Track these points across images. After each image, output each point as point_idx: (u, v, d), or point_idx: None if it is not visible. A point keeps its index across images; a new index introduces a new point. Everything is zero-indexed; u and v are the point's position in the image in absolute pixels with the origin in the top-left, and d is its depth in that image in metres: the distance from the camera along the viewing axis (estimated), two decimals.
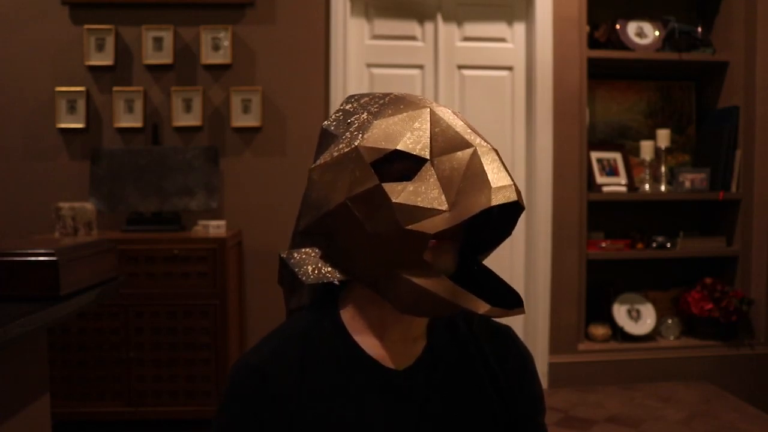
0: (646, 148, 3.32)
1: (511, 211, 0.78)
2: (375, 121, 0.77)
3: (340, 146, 0.79)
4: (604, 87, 3.50)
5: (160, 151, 2.90)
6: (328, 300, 0.86)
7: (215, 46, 2.99)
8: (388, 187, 0.73)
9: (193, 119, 2.98)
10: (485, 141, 0.75)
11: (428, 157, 0.74)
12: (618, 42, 3.32)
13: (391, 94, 0.83)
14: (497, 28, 3.32)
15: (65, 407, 2.54)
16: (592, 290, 3.33)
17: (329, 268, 0.81)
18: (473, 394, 0.84)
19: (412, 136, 0.75)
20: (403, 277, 0.73)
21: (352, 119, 0.82)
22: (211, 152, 2.91)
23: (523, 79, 3.33)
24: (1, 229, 2.92)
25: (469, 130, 0.75)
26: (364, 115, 0.81)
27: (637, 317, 3.37)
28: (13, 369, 1.33)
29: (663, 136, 3.33)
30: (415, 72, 3.28)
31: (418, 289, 0.73)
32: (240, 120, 3.00)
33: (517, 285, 3.33)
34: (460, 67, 3.30)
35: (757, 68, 3.25)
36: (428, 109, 0.77)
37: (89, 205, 2.58)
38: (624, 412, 2.83)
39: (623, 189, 3.32)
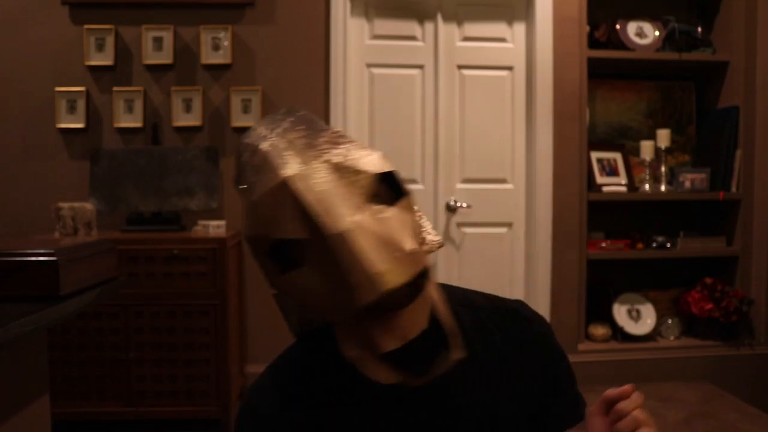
0: (646, 148, 3.32)
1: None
2: (249, 203, 0.74)
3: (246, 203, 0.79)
4: (604, 87, 3.50)
5: (160, 151, 2.90)
6: (321, 328, 0.85)
7: (215, 46, 2.99)
8: (288, 280, 0.76)
9: (193, 119, 2.98)
10: (347, 219, 0.67)
11: (300, 235, 0.69)
12: (618, 42, 3.32)
13: (260, 146, 0.74)
14: (497, 28, 3.32)
15: (65, 407, 2.54)
16: (592, 290, 3.33)
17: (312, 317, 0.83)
18: (485, 391, 0.83)
19: (286, 218, 0.71)
20: (355, 356, 0.74)
21: (246, 170, 0.78)
22: (211, 152, 2.91)
23: (523, 79, 3.33)
24: (1, 229, 2.92)
25: (336, 205, 0.68)
26: (247, 181, 0.76)
27: (637, 317, 3.37)
28: (13, 369, 1.33)
29: (663, 136, 3.33)
30: (415, 72, 3.28)
31: (370, 369, 0.74)
32: (240, 120, 3.00)
33: (517, 285, 3.33)
34: (460, 67, 3.30)
35: (757, 68, 3.25)
36: (283, 181, 0.69)
37: (89, 205, 2.57)
38: None
39: (623, 189, 3.32)
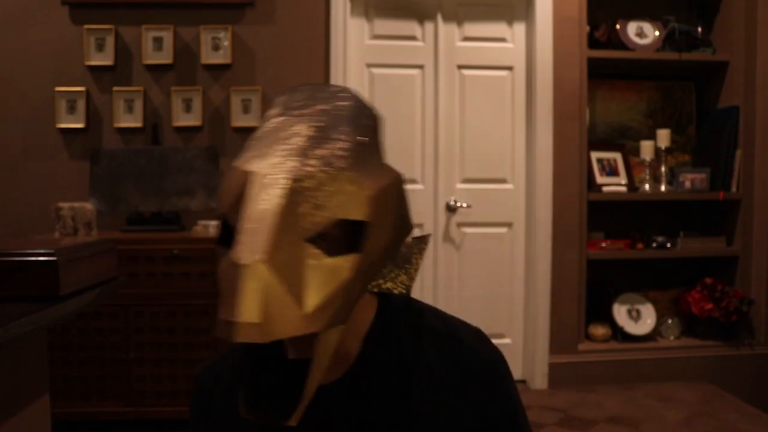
0: (646, 148, 3.32)
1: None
2: (234, 163, 0.68)
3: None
4: (604, 87, 3.50)
5: (160, 151, 2.90)
6: None
7: (215, 46, 2.99)
8: (218, 249, 0.70)
9: (193, 119, 2.98)
10: (269, 250, 0.60)
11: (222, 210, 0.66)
12: (618, 42, 3.32)
13: (274, 118, 0.70)
14: (497, 28, 3.32)
15: (65, 407, 2.54)
16: (592, 290, 3.33)
17: None
18: (408, 410, 0.77)
19: (233, 205, 0.65)
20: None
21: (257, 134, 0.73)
22: (211, 152, 2.91)
23: (523, 79, 3.33)
24: (1, 229, 2.92)
25: (269, 229, 0.61)
26: (253, 142, 0.71)
27: (637, 317, 3.37)
28: (13, 369, 1.33)
29: (663, 136, 3.33)
30: (415, 72, 3.28)
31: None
32: (240, 120, 3.00)
33: (517, 285, 3.33)
34: (460, 67, 3.30)
35: (757, 68, 3.25)
36: (249, 175, 0.64)
37: (89, 205, 2.57)
38: (624, 412, 2.83)
39: (623, 189, 3.32)
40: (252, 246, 0.60)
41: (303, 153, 0.65)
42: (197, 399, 0.87)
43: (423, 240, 1.04)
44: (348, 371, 0.77)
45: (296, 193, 0.62)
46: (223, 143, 3.02)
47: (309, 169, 0.64)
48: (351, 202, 0.65)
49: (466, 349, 0.80)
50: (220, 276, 0.62)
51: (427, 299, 3.20)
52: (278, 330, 0.59)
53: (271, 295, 0.59)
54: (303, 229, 0.62)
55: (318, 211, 0.63)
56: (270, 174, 0.63)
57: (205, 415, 0.85)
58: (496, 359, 0.82)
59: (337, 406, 0.77)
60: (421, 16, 3.29)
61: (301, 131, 0.67)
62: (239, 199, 0.64)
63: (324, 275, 0.63)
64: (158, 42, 2.97)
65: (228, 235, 0.68)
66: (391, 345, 0.79)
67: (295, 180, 0.63)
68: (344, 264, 0.65)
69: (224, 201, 0.66)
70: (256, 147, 0.67)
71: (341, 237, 0.67)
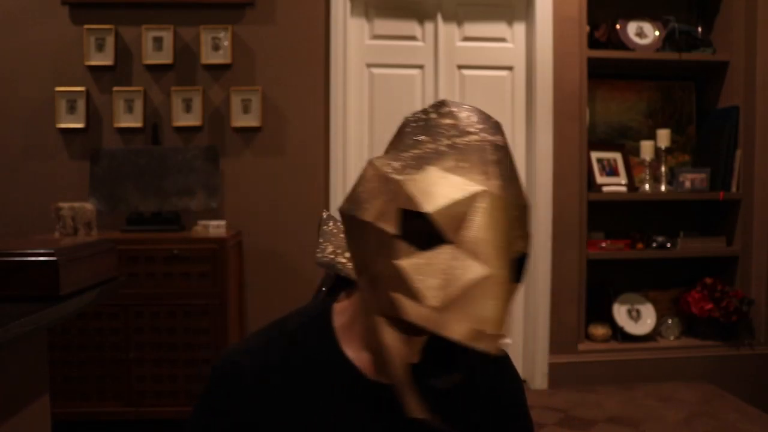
0: (646, 148, 3.32)
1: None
2: (431, 166, 0.70)
3: (394, 164, 0.73)
4: (604, 87, 3.50)
5: (160, 151, 2.90)
6: (324, 303, 0.85)
7: (215, 46, 2.99)
8: (400, 244, 0.68)
9: (193, 119, 2.98)
10: (506, 269, 0.67)
11: (450, 240, 0.67)
12: (618, 42, 3.32)
13: (472, 135, 0.72)
14: (497, 28, 3.32)
15: (65, 407, 2.54)
16: (592, 290, 3.33)
17: (345, 260, 0.80)
18: (452, 417, 0.83)
19: (449, 210, 0.67)
20: (378, 323, 0.72)
21: (423, 140, 0.74)
22: (211, 152, 2.91)
23: (523, 79, 3.33)
24: (1, 229, 2.92)
25: (503, 246, 0.67)
26: (432, 147, 0.72)
27: (637, 317, 3.37)
28: (13, 369, 1.33)
29: (663, 136, 3.33)
30: (415, 72, 3.28)
31: (381, 346, 0.71)
32: (240, 120, 3.00)
33: None
34: (460, 67, 3.30)
35: (757, 68, 3.25)
36: (480, 191, 0.68)
37: (89, 205, 2.57)
38: (624, 412, 2.83)
39: (623, 189, 3.32)
40: (501, 257, 0.66)
41: (512, 180, 0.71)
42: (224, 386, 0.81)
43: None
44: None
45: (514, 220, 0.69)
46: (223, 143, 3.02)
47: (523, 200, 0.71)
48: (527, 239, 0.73)
49: (506, 368, 0.90)
50: (417, 270, 0.66)
51: None
52: (496, 345, 0.64)
53: (504, 308, 0.66)
54: (511, 253, 0.69)
55: (520, 241, 0.70)
56: (500, 196, 0.68)
57: (237, 401, 0.80)
58: (521, 385, 0.92)
59: (389, 404, 0.80)
60: (421, 16, 3.29)
61: (501, 158, 0.71)
62: (454, 207, 0.67)
63: (512, 294, 0.70)
64: (158, 42, 2.97)
65: (413, 233, 0.69)
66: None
67: (516, 207, 0.70)
68: (516, 290, 0.72)
69: (432, 202, 0.68)
70: (468, 157, 0.70)
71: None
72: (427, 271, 0.66)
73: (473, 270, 0.65)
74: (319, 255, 0.79)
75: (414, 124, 0.77)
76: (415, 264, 0.67)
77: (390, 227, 0.69)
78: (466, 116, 0.75)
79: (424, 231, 0.67)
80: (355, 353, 0.80)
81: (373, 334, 0.73)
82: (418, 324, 0.66)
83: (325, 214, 0.82)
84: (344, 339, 0.81)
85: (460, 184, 0.68)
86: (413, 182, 0.69)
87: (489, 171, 0.69)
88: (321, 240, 0.80)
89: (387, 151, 0.78)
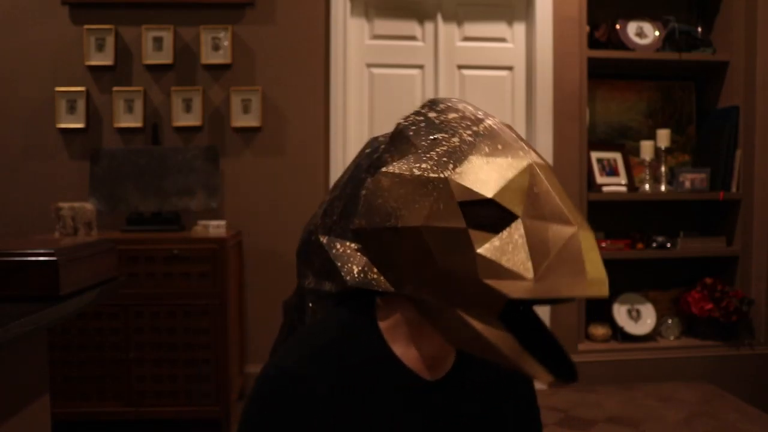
0: (646, 148, 3.32)
1: None
2: (471, 156, 0.72)
3: (424, 165, 0.74)
4: (604, 87, 3.50)
5: (160, 151, 2.90)
6: (364, 302, 0.83)
7: (215, 46, 2.99)
8: (473, 233, 0.69)
9: (193, 119, 2.98)
10: (584, 220, 0.70)
11: (519, 215, 0.69)
12: (618, 42, 3.32)
13: (485, 121, 0.76)
14: (497, 28, 3.32)
15: (65, 407, 2.54)
16: None
17: (375, 275, 0.78)
18: (496, 406, 0.87)
19: (509, 190, 0.70)
20: (462, 316, 0.71)
21: (439, 137, 0.75)
22: (211, 152, 2.91)
23: (523, 79, 3.33)
24: (1, 229, 2.92)
25: (569, 202, 0.71)
26: (456, 141, 0.74)
27: (637, 317, 3.37)
28: (13, 369, 1.33)
29: (663, 136, 3.33)
30: (415, 72, 3.28)
31: (477, 334, 0.71)
32: (240, 120, 3.00)
33: None
34: (460, 67, 3.30)
35: (757, 68, 3.25)
36: (529, 164, 0.72)
37: (89, 205, 2.57)
38: (624, 412, 2.83)
39: (623, 189, 3.32)
40: (577, 215, 0.70)
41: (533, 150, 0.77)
42: (292, 391, 0.76)
43: None
44: (450, 371, 0.84)
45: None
46: (223, 143, 3.02)
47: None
48: None
49: None
50: (502, 251, 0.69)
51: None
52: (608, 287, 0.67)
53: (599, 256, 0.69)
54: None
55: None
56: (545, 164, 0.74)
57: (304, 406, 0.76)
58: None
59: (442, 402, 0.82)
60: (421, 16, 3.29)
61: (519, 135, 0.78)
62: (512, 185, 0.71)
63: None
64: (158, 42, 2.97)
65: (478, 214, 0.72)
66: None
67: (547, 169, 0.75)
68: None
69: (490, 187, 0.71)
70: (496, 141, 0.74)
71: None
72: (510, 249, 0.68)
73: (557, 232, 0.68)
74: (348, 278, 0.79)
75: (415, 127, 0.77)
76: (495, 247, 0.69)
77: (455, 222, 0.70)
78: (464, 107, 0.78)
79: (489, 216, 0.70)
80: (403, 353, 0.80)
81: (459, 329, 0.72)
82: (524, 299, 0.68)
83: (325, 240, 0.82)
84: (391, 341, 0.81)
85: (507, 164, 0.71)
86: (461, 175, 0.71)
87: (523, 146, 0.74)
88: (339, 264, 0.80)
89: (390, 160, 0.77)
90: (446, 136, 0.75)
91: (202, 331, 2.59)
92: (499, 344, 0.70)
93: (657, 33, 3.36)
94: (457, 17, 3.31)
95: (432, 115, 0.78)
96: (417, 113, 0.79)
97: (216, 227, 2.72)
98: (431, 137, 0.76)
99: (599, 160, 3.37)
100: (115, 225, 2.92)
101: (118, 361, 2.57)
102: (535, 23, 3.20)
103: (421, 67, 3.28)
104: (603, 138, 3.49)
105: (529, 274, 0.67)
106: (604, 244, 3.32)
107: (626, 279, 3.46)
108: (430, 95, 3.27)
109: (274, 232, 3.02)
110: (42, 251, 1.24)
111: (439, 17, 3.28)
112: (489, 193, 0.70)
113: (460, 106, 0.78)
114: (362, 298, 0.84)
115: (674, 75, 3.57)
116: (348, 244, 0.81)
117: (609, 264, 3.35)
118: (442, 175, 0.72)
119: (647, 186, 3.33)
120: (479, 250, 0.69)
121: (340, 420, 0.77)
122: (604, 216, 3.42)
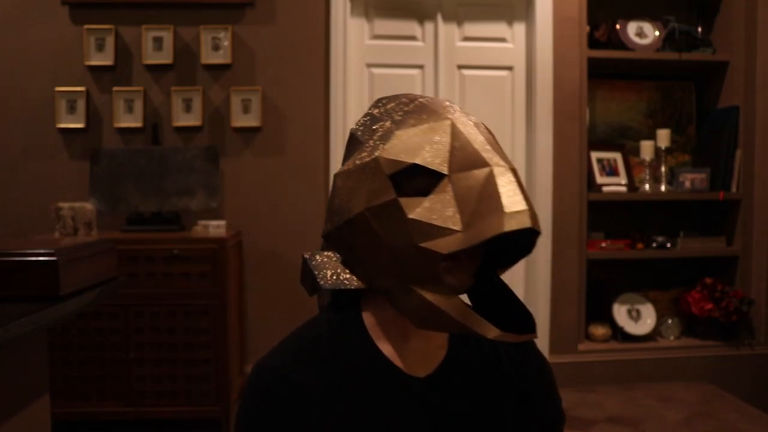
0: (646, 148, 3.32)
1: (529, 232, 0.74)
2: (396, 131, 0.76)
3: (363, 154, 0.78)
4: (604, 87, 3.50)
5: (160, 151, 2.90)
6: (349, 302, 0.85)
7: (215, 46, 2.99)
8: (404, 201, 0.72)
9: (193, 119, 2.98)
10: (504, 160, 0.72)
11: (446, 173, 0.72)
12: (618, 42, 3.32)
13: (418, 99, 0.81)
14: (497, 28, 3.32)
15: (65, 407, 2.54)
16: (592, 290, 3.33)
17: (347, 275, 0.80)
18: (489, 405, 0.86)
19: (431, 150, 0.73)
20: (415, 291, 0.73)
21: (377, 126, 0.80)
22: (211, 152, 2.91)
23: (523, 79, 3.33)
24: (1, 229, 2.92)
25: (488, 147, 0.73)
26: (388, 123, 0.79)
27: (637, 317, 3.37)
28: (13, 369, 1.33)
29: (663, 136, 3.33)
30: (415, 72, 3.28)
31: (428, 305, 0.72)
32: (240, 120, 3.00)
33: (518, 285, 3.33)
34: (460, 67, 3.30)
35: (757, 68, 3.25)
36: (449, 122, 0.75)
37: (89, 205, 2.58)
38: (624, 412, 2.83)
39: (623, 189, 3.32)
40: (496, 157, 0.72)
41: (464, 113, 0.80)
42: (280, 389, 0.77)
43: None
44: (438, 368, 0.84)
45: (493, 142, 0.77)
46: (223, 143, 3.02)
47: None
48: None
49: (531, 353, 0.93)
50: (431, 212, 0.71)
51: None
52: (535, 219, 0.67)
53: (522, 190, 0.70)
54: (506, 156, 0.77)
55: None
56: (467, 121, 0.77)
57: (292, 404, 0.78)
58: (548, 363, 0.97)
59: (430, 399, 0.82)
60: (421, 16, 3.29)
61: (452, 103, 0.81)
62: (435, 146, 0.74)
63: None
64: (158, 42, 2.97)
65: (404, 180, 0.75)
66: (471, 344, 0.88)
67: (489, 132, 0.79)
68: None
69: (411, 154, 0.74)
70: (424, 111, 0.78)
71: None
72: (438, 208, 0.70)
73: (476, 177, 0.70)
74: (322, 283, 0.80)
75: (362, 127, 0.83)
76: (426, 209, 0.71)
77: (387, 196, 0.73)
78: (401, 95, 0.83)
79: (421, 182, 0.72)
80: (390, 350, 0.82)
81: (419, 308, 0.73)
82: (457, 250, 0.69)
83: (307, 255, 0.84)
84: (377, 337, 0.82)
85: (429, 129, 0.75)
86: (388, 150, 0.75)
87: (448, 108, 0.78)
88: (316, 272, 0.81)
89: (343, 164, 0.83)
90: (382, 123, 0.79)
91: (202, 331, 2.59)
92: (448, 309, 0.71)
93: (657, 33, 3.36)
94: (457, 17, 3.31)
95: (375, 111, 0.83)
96: (365, 114, 0.84)
97: (216, 227, 2.72)
98: (372, 128, 0.80)
99: (599, 160, 3.37)
100: (115, 225, 2.92)
101: (118, 361, 2.57)
102: (535, 23, 3.20)
103: (421, 67, 3.28)
104: (603, 138, 3.49)
105: (458, 225, 0.69)
106: (604, 244, 3.32)
107: (626, 279, 3.46)
108: (430, 95, 3.27)
109: (274, 232, 3.02)
110: (42, 251, 1.25)
111: (439, 17, 3.28)
112: (412, 159, 0.73)
113: (398, 96, 0.83)
114: (350, 300, 0.86)
115: (674, 75, 3.57)
116: (325, 253, 0.84)
117: (609, 264, 3.39)
118: (373, 156, 0.76)
119: (647, 186, 3.33)
120: (411, 215, 0.71)
121: (328, 418, 0.78)
122: (604, 216, 3.42)
